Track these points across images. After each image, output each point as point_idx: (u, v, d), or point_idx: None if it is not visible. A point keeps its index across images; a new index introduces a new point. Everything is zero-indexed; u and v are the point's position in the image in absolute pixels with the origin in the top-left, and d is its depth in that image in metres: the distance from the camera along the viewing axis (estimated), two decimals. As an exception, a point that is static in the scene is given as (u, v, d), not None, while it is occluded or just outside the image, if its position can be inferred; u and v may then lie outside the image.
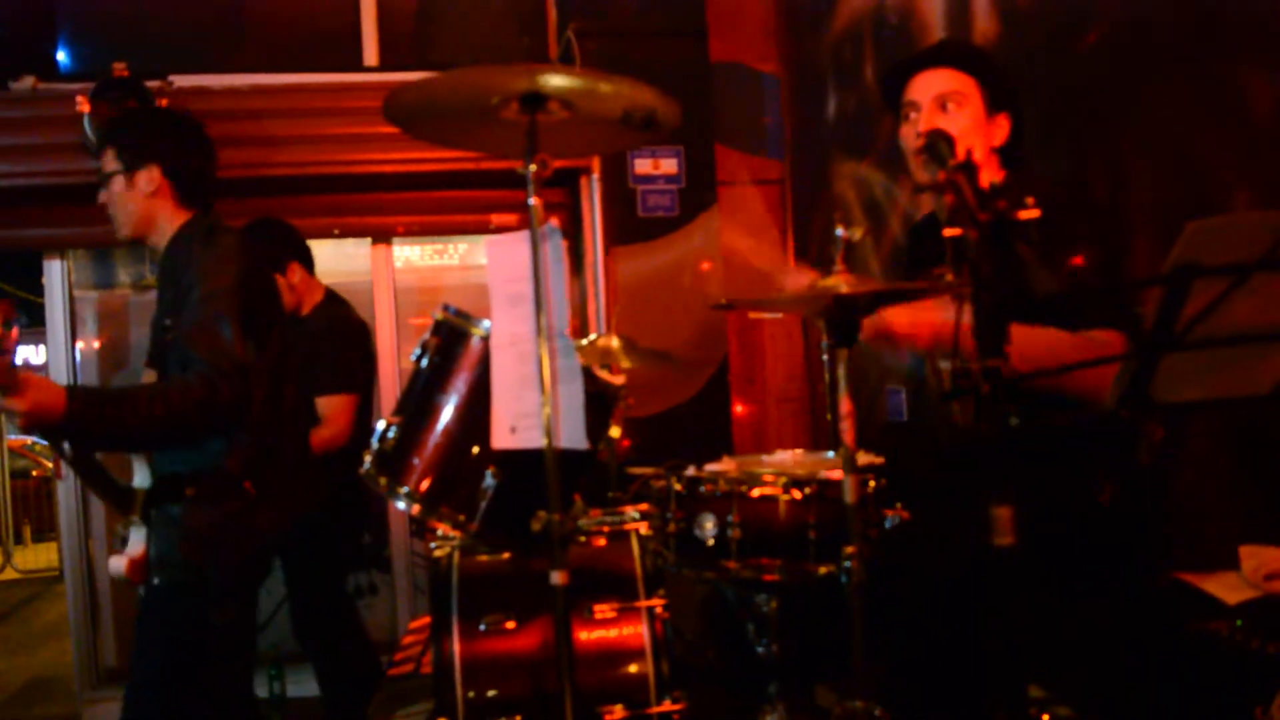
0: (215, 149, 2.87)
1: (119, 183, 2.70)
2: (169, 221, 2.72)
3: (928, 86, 2.39)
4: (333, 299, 4.10)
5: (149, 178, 2.69)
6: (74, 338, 5.24)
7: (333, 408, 3.83)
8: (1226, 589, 2.06)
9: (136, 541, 2.66)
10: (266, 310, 2.68)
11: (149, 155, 2.71)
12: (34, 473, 12.13)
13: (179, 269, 2.63)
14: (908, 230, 2.90)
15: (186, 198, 2.74)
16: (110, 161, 2.71)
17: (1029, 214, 1.51)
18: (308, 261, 4.03)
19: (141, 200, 2.70)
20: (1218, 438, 2.45)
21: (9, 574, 10.02)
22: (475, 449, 1.98)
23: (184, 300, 2.54)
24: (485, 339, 1.98)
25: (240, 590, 2.65)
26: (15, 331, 2.17)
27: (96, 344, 5.88)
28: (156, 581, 2.61)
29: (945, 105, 2.36)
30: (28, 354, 16.53)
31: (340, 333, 4.01)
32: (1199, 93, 2.52)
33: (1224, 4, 2.43)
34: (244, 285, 2.56)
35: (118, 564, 2.66)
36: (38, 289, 5.32)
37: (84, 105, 4.33)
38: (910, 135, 2.40)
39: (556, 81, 1.83)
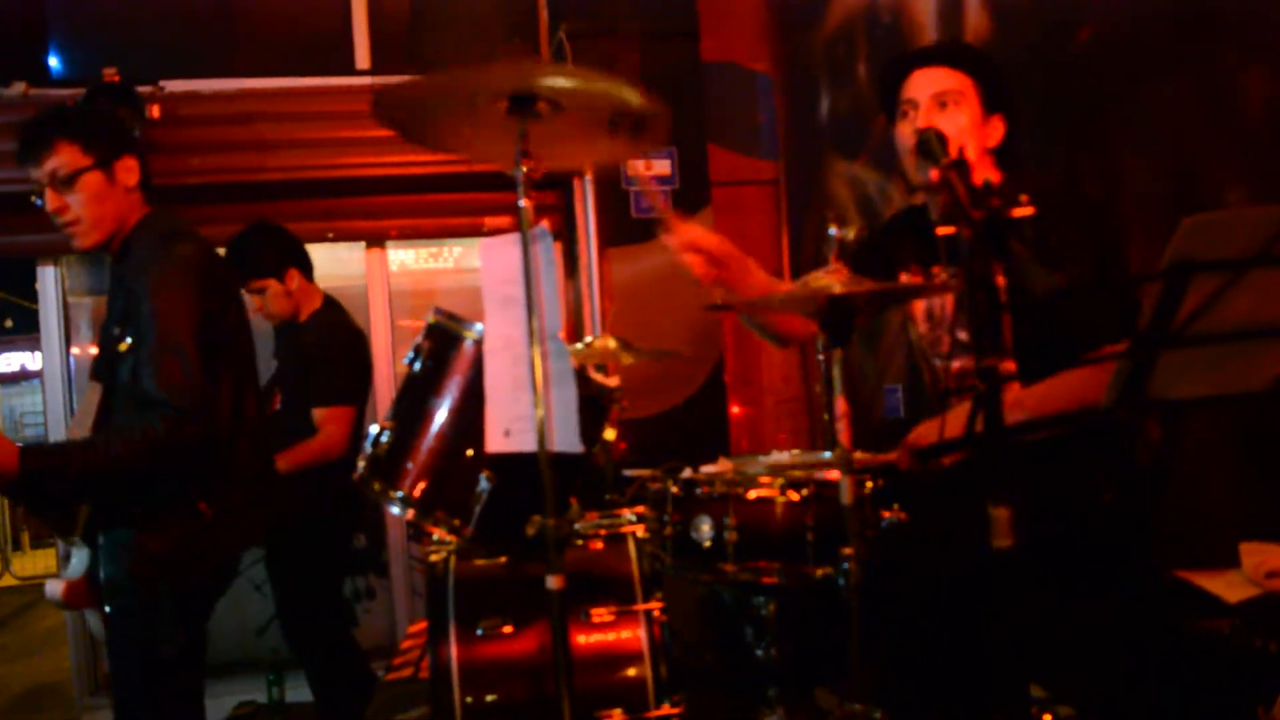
0: None
1: (94, 180, 2.45)
2: (133, 219, 2.53)
3: (926, 84, 2.38)
4: (330, 306, 4.08)
5: (127, 167, 2.50)
6: (69, 343, 5.24)
7: (329, 418, 3.82)
8: (1227, 587, 2.05)
9: (77, 564, 2.54)
10: (226, 324, 2.53)
11: (122, 145, 2.52)
12: (31, 480, 12.09)
13: (132, 272, 2.46)
14: (887, 219, 2.87)
15: (148, 191, 2.57)
16: (75, 158, 2.44)
17: (1022, 212, 1.50)
18: (306, 267, 4.01)
19: (121, 196, 2.49)
20: (1218, 435, 2.44)
21: (8, 580, 10.02)
22: (469, 453, 1.97)
23: (134, 310, 2.39)
24: (478, 342, 1.96)
25: (194, 613, 2.49)
26: None
27: (92, 349, 5.86)
28: (108, 609, 2.46)
29: (943, 103, 2.35)
30: (24, 360, 16.57)
31: (339, 342, 3.99)
32: (1193, 89, 2.51)
33: (1219, 0, 2.42)
34: (200, 301, 2.40)
35: (54, 589, 2.54)
36: (32, 295, 5.30)
37: (75, 111, 4.31)
38: (907, 132, 2.38)
39: (545, 80, 1.81)
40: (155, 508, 2.41)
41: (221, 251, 3.86)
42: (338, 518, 3.95)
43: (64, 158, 2.45)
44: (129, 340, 2.41)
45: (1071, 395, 2.11)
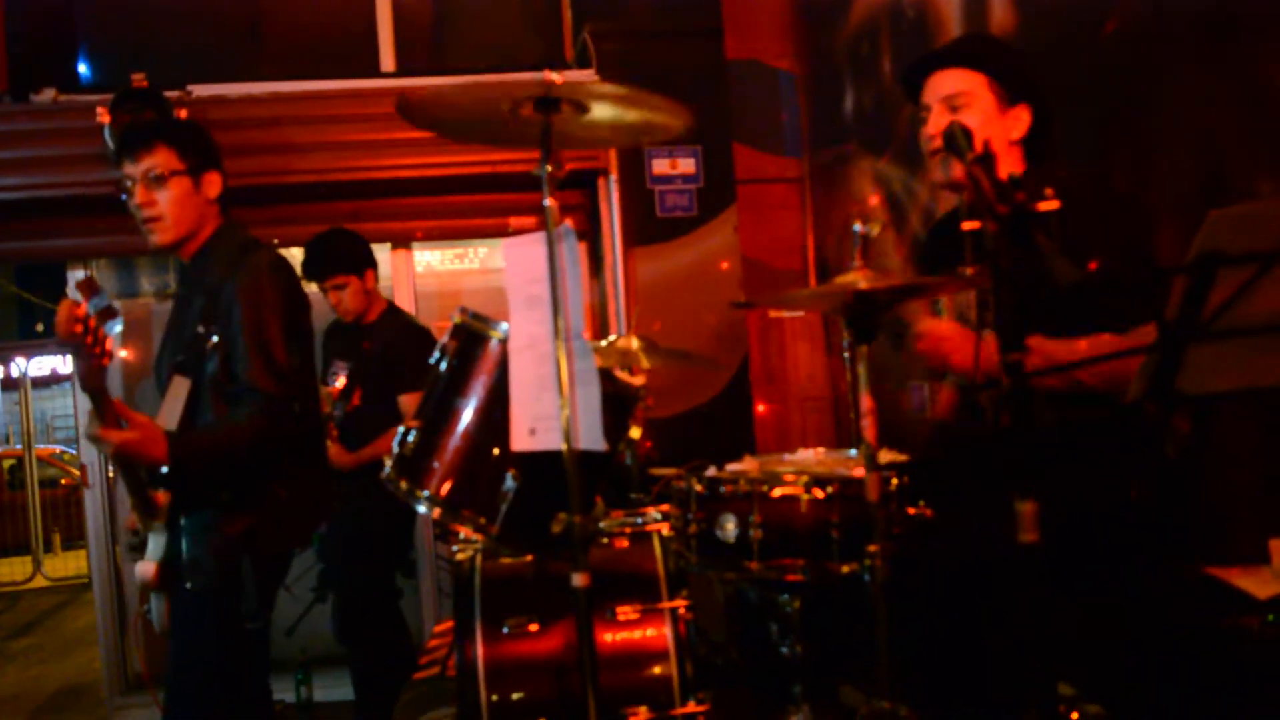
0: None
1: (182, 184, 2.65)
2: (208, 228, 2.73)
3: (936, 89, 2.39)
4: (394, 307, 4.37)
5: (212, 181, 2.70)
6: (99, 347, 5.27)
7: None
8: (1257, 583, 2.03)
9: (154, 548, 2.65)
10: (302, 324, 2.74)
11: (212, 161, 2.72)
12: (63, 481, 12.25)
13: (211, 279, 2.66)
14: (928, 230, 2.88)
15: (226, 206, 2.77)
16: (171, 161, 2.64)
17: (1048, 205, 1.49)
18: (377, 270, 4.27)
19: (202, 204, 2.69)
20: (1246, 429, 2.42)
21: (39, 582, 10.11)
22: (495, 451, 1.98)
23: (224, 315, 2.59)
24: (503, 341, 1.97)
25: (266, 593, 2.67)
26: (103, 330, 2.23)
27: (121, 352, 5.92)
28: (189, 586, 2.61)
29: (954, 107, 2.35)
30: (54, 364, 16.76)
31: (416, 334, 4.25)
32: (1221, 82, 2.49)
33: (1245, -9, 2.40)
34: (283, 304, 2.63)
35: (145, 569, 2.64)
36: (61, 299, 5.35)
37: (104, 116, 4.36)
38: (927, 136, 2.40)
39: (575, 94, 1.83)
40: (241, 491, 2.60)
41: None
42: (401, 511, 4.04)
43: (160, 158, 2.64)
44: (215, 338, 2.61)
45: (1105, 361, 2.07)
